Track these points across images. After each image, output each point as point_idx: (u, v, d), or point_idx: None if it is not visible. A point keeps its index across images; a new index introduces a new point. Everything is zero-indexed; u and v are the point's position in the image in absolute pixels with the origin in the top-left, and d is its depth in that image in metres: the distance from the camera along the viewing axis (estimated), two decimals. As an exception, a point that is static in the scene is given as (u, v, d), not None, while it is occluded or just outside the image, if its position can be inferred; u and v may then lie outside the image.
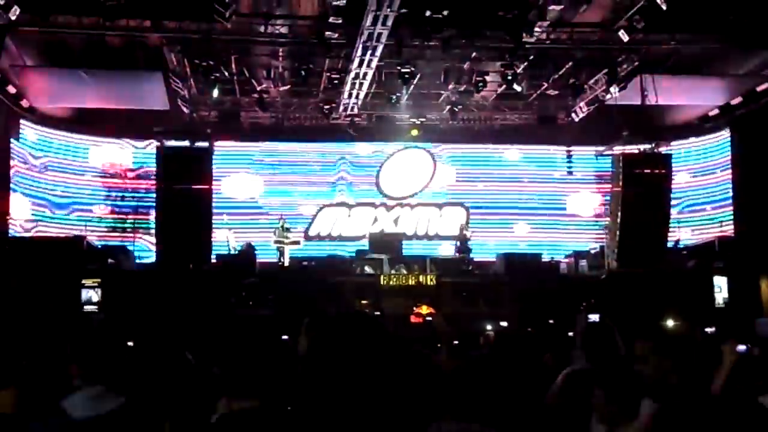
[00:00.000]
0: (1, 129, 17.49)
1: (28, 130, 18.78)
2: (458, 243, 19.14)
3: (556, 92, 18.59)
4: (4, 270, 14.02)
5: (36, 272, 14.27)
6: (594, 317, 14.73)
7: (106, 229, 19.78)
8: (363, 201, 21.30)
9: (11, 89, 16.93)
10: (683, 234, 20.20)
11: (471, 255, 18.68)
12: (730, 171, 19.70)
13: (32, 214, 18.69)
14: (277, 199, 20.84)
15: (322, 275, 16.43)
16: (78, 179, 19.85)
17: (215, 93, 17.12)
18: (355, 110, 18.47)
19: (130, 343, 8.57)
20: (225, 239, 18.40)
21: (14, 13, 12.71)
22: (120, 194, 20.18)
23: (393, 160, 21.53)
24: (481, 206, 21.46)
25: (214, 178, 17.12)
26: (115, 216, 20.00)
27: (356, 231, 20.79)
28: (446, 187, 21.63)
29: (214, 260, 16.75)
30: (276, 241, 18.03)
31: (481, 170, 21.82)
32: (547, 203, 21.61)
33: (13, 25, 13.26)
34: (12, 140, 18.15)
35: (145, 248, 18.97)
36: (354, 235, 20.69)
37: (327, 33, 14.15)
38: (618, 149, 18.61)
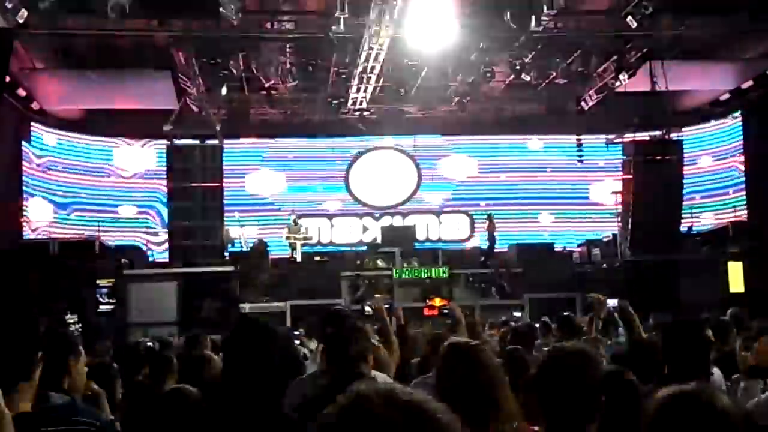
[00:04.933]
0: (12, 132, 17.57)
1: (40, 133, 18.90)
2: (488, 240, 19.08)
3: (565, 81, 18.50)
4: (19, 272, 14.10)
5: (50, 274, 14.35)
6: (612, 302, 14.67)
7: (123, 230, 19.89)
8: (345, 210, 21.13)
9: (21, 92, 17.00)
10: (698, 220, 20.11)
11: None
12: (742, 155, 19.57)
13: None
14: (294, 195, 20.94)
15: (335, 270, 16.46)
16: (91, 180, 19.97)
17: (224, 91, 17.14)
18: (364, 104, 18.45)
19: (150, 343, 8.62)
20: (237, 236, 18.47)
21: (22, 16, 12.75)
22: (135, 194, 20.31)
23: (365, 162, 21.43)
24: (497, 197, 21.53)
25: (225, 175, 17.23)
26: (132, 216, 20.12)
27: (347, 238, 20.61)
28: (458, 181, 21.67)
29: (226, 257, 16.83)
30: (287, 237, 18.07)
31: (497, 161, 21.87)
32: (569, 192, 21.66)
33: (21, 29, 13.31)
34: (23, 143, 18.26)
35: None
36: (347, 242, 20.50)
37: (333, 27, 14.13)
38: (629, 137, 18.52)
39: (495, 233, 18.79)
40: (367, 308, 13.05)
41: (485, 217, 19.37)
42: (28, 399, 2.34)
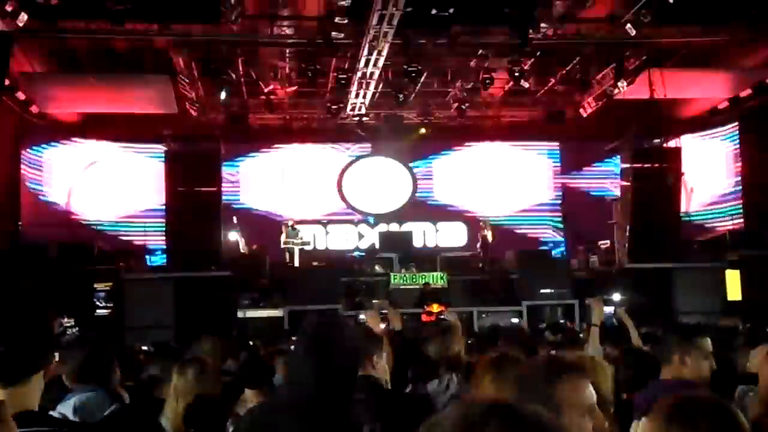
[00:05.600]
0: (12, 136, 17.58)
1: (39, 137, 18.91)
2: (482, 246, 19.03)
3: (564, 88, 18.56)
4: (17, 275, 14.09)
5: (48, 277, 14.33)
6: (608, 309, 14.66)
7: (118, 233, 19.87)
8: (338, 217, 21.14)
9: (20, 96, 17.01)
10: (695, 227, 20.13)
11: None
12: (740, 163, 19.60)
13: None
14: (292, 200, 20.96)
15: (333, 275, 16.43)
16: (89, 184, 19.98)
17: (223, 95, 17.16)
18: (363, 110, 18.47)
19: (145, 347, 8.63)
20: (235, 241, 18.44)
21: (22, 20, 12.77)
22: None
23: (359, 168, 21.48)
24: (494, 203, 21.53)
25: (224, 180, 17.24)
26: (128, 220, 20.13)
27: (343, 245, 20.60)
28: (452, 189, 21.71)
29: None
30: (285, 242, 18.04)
31: (491, 167, 21.88)
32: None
33: (21, 32, 13.32)
34: (22, 146, 18.25)
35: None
36: (343, 248, 20.45)
37: (333, 33, 14.16)
38: (627, 144, 18.54)
39: (490, 239, 18.79)
40: (362, 316, 13.07)
41: (481, 223, 19.39)
42: (36, 394, 2.36)
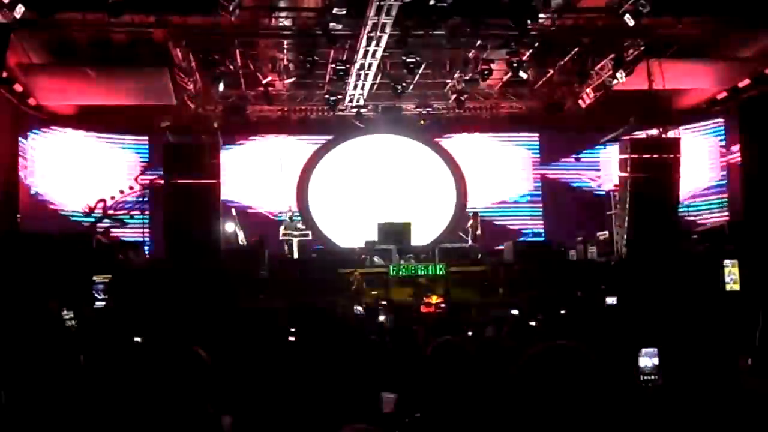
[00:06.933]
0: (9, 128, 17.54)
1: (37, 128, 18.87)
2: (472, 237, 19.05)
3: (563, 79, 18.52)
4: (15, 266, 14.06)
5: (46, 269, 14.30)
6: (611, 300, 14.70)
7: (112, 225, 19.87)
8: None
9: (18, 88, 16.96)
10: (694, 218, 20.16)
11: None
12: (739, 153, 19.59)
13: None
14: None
15: (331, 267, 16.43)
16: (86, 175, 19.96)
17: (221, 87, 17.11)
18: (361, 101, 18.44)
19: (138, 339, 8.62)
20: (233, 233, 18.45)
21: (19, 11, 12.71)
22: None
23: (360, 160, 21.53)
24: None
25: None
26: (122, 213, 20.12)
27: (342, 237, 20.65)
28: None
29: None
30: (284, 234, 18.03)
31: (487, 159, 21.86)
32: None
33: (18, 24, 13.27)
34: (20, 138, 18.22)
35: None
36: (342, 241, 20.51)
37: (331, 24, 14.11)
38: (626, 135, 18.53)
39: (478, 231, 18.81)
40: (359, 308, 13.04)
41: (471, 214, 19.44)
42: None
